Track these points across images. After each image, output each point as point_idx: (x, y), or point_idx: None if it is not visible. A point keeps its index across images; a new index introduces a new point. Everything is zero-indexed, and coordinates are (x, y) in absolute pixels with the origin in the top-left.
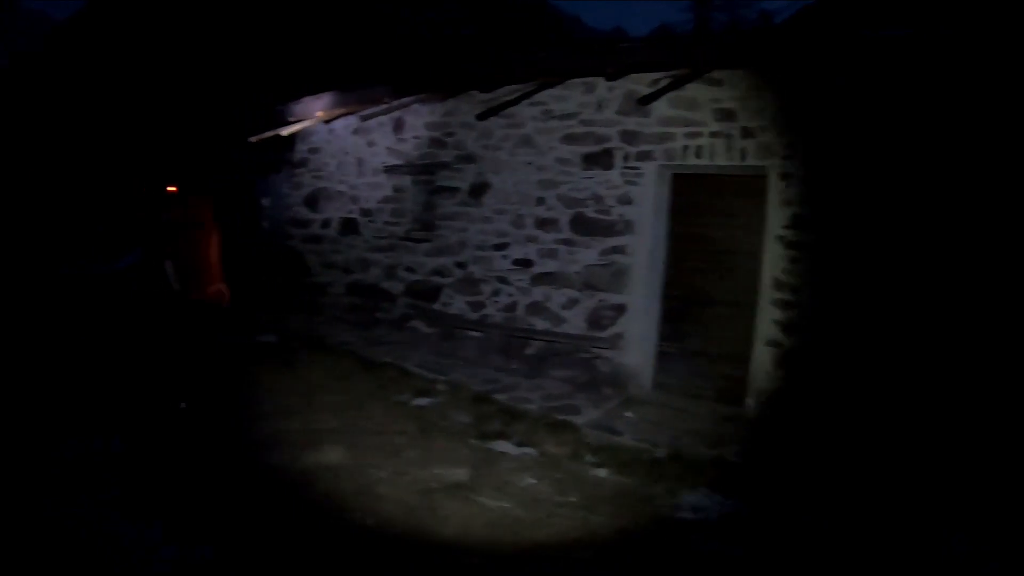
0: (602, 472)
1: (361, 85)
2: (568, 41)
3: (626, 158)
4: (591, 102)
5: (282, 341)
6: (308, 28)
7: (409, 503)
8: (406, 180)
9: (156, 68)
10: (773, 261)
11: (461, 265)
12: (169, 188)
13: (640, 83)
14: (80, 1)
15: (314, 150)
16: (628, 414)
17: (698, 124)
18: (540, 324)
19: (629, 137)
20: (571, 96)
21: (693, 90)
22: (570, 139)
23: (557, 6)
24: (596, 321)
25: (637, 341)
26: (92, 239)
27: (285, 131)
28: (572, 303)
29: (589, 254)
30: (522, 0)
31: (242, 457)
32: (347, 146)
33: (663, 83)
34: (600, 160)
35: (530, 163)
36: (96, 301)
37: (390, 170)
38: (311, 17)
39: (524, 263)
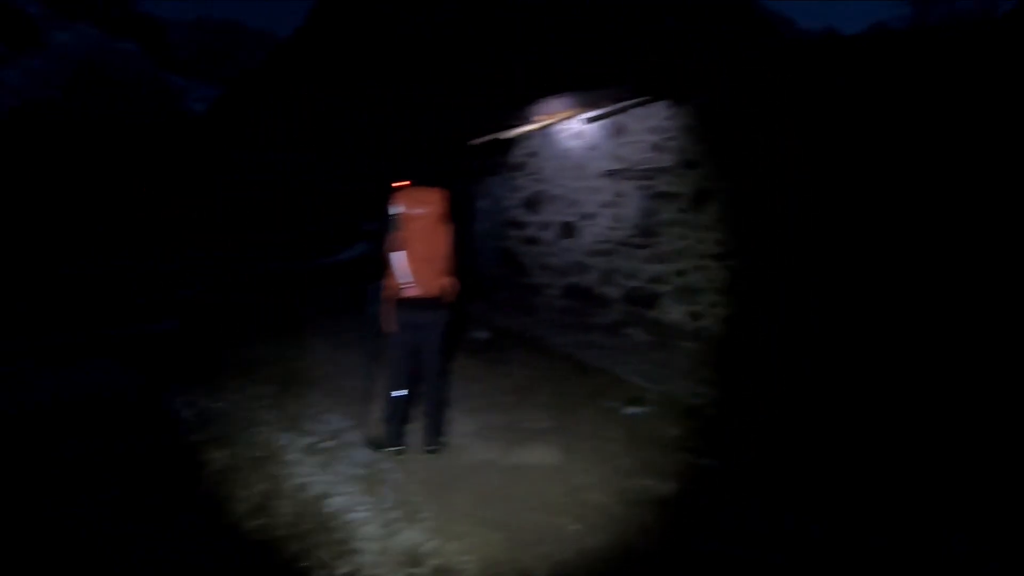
0: None
1: (588, 88)
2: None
3: None
4: None
5: (494, 338)
6: (531, 31)
7: (615, 513)
8: (627, 185)
9: (376, 73)
10: None
11: (681, 274)
12: (400, 183)
13: None
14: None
15: (532, 154)
16: None
17: None
18: None
19: None
20: None
21: None
22: None
23: (769, 7)
24: None
25: None
26: (323, 236)
27: (506, 135)
28: None
29: None
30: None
31: (453, 448)
32: (566, 150)
33: None
34: None
35: None
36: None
37: (611, 174)
38: (533, 21)
39: None
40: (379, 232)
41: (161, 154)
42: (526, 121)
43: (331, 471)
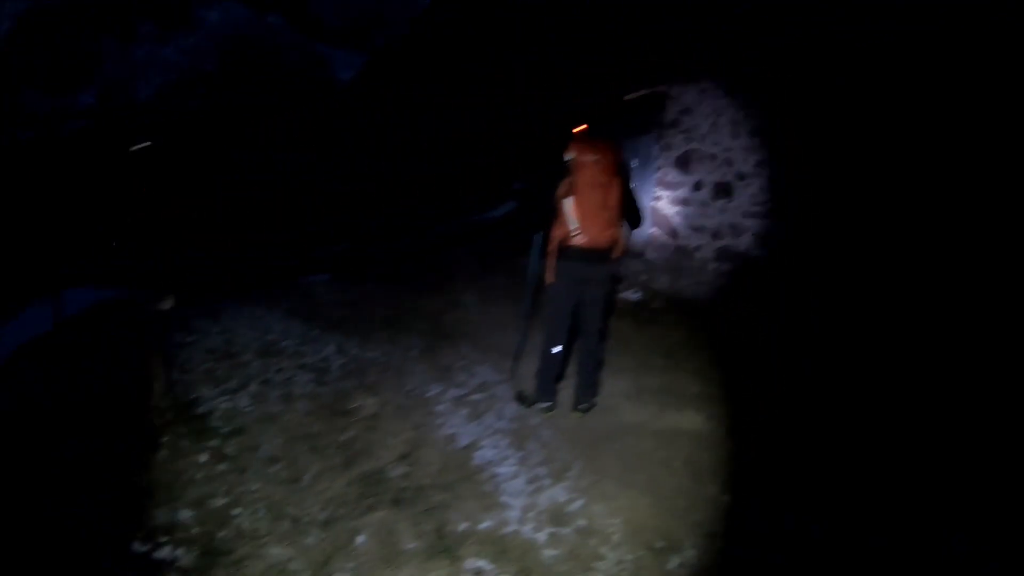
0: None
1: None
2: None
3: None
4: None
5: (645, 299)
6: None
7: None
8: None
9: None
10: None
11: None
12: (577, 129)
13: None
14: None
15: (686, 111)
16: None
17: None
18: None
19: None
20: None
21: None
22: None
23: None
24: None
25: None
26: (473, 195)
27: (657, 90)
28: None
29: None
30: None
31: (603, 408)
32: (720, 107)
33: None
34: None
35: None
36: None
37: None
38: None
39: None
40: (542, 182)
41: (311, 119)
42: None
43: (479, 423)
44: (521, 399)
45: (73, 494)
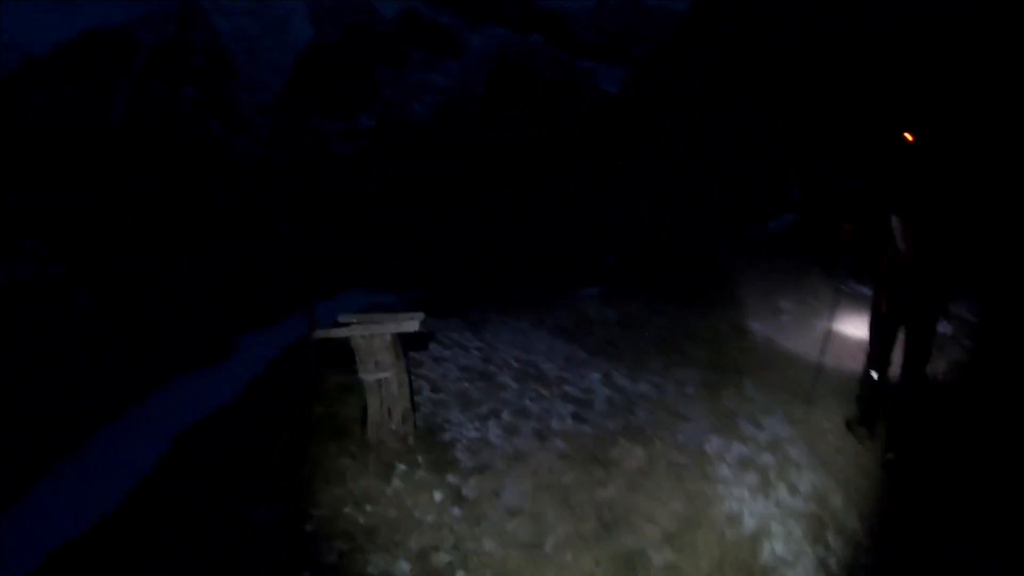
0: None
1: None
2: None
3: None
4: None
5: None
6: None
7: None
8: None
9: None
10: None
11: None
12: (906, 135)
13: None
14: None
15: None
16: None
17: None
18: None
19: None
20: None
21: None
22: None
23: None
24: None
25: None
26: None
27: None
28: None
29: None
30: None
31: None
32: None
33: None
34: None
35: None
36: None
37: None
38: None
39: None
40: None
41: (578, 131)
42: None
43: (769, 499)
44: (848, 426)
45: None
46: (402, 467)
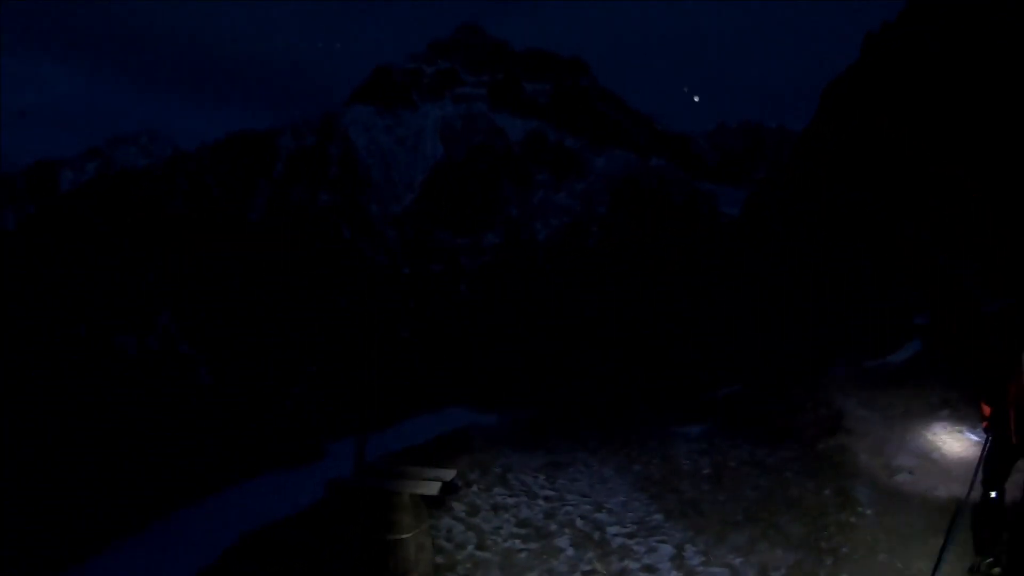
0: None
1: None
2: None
3: None
4: None
5: None
6: None
7: None
8: None
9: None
10: None
11: None
12: None
13: None
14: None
15: None
16: None
17: None
18: None
19: None
20: None
21: None
22: None
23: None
24: None
25: None
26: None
27: None
28: None
29: None
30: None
31: None
32: None
33: None
34: None
35: None
36: None
37: None
38: None
39: None
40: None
41: (699, 253)
42: None
43: None
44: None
45: None
46: None
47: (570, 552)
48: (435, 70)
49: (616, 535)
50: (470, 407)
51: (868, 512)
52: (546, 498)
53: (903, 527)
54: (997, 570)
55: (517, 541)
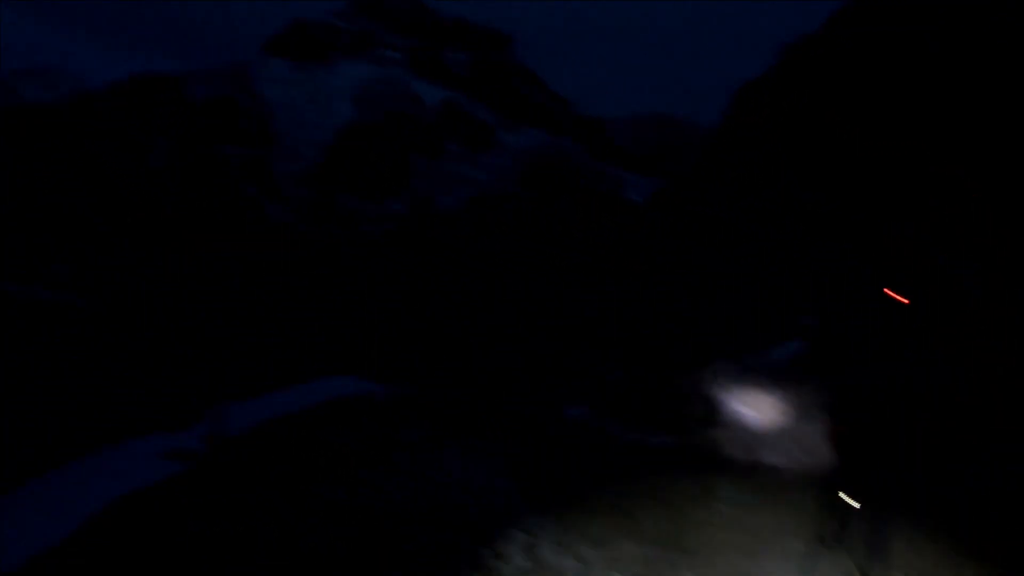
0: None
1: None
2: None
3: None
4: None
5: None
6: None
7: None
8: None
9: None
10: None
11: None
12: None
13: None
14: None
15: None
16: None
17: None
18: None
19: None
20: None
21: None
22: None
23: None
24: None
25: None
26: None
27: None
28: None
29: None
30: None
31: None
32: None
33: None
34: None
35: None
36: None
37: None
38: None
39: None
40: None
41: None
42: None
43: None
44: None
45: None
46: None
47: (423, 537)
48: (355, 29)
49: (473, 519)
50: (360, 377)
51: (729, 510)
52: (410, 474)
53: (761, 527)
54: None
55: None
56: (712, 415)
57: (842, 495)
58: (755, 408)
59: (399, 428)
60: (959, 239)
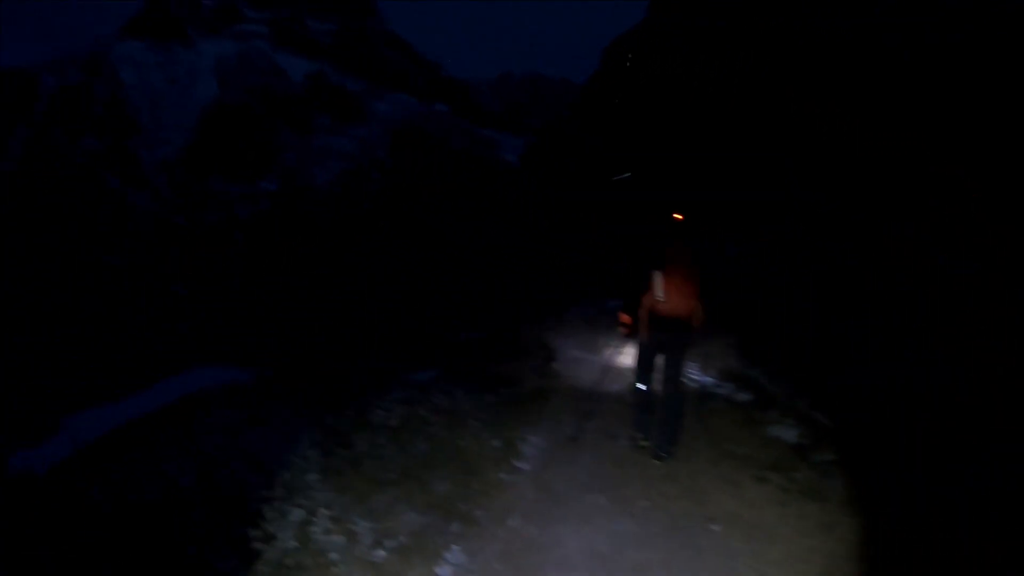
0: None
1: None
2: None
3: None
4: None
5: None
6: None
7: None
8: None
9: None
10: None
11: None
12: (676, 216)
13: None
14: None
15: None
16: None
17: None
18: None
19: None
20: None
21: None
22: None
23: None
24: None
25: None
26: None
27: None
28: None
29: None
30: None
31: None
32: None
33: None
34: None
35: None
36: None
37: None
38: None
39: None
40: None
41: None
42: None
43: None
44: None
45: None
46: None
47: (194, 525)
48: (215, 3)
49: (257, 498)
50: (227, 365)
51: (527, 468)
52: (206, 458)
53: (559, 485)
54: (646, 443)
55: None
56: (548, 363)
57: (639, 386)
58: (584, 355)
59: (243, 411)
60: (959, 239)
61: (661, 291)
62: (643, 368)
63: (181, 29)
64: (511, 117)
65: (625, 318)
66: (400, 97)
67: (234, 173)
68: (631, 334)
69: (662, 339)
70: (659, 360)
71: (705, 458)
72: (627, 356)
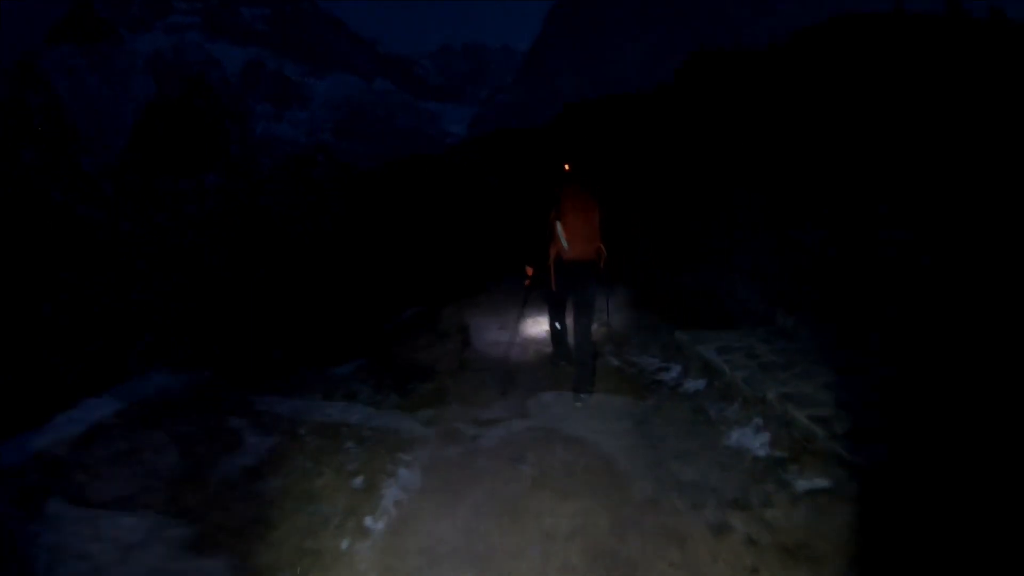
0: None
1: None
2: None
3: None
4: None
5: None
6: None
7: None
8: None
9: None
10: None
11: None
12: (566, 167)
13: None
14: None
15: None
16: None
17: None
18: None
19: None
20: None
21: None
22: None
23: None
24: None
25: None
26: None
27: None
28: None
29: None
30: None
31: None
32: None
33: None
34: None
35: None
36: None
37: None
38: None
39: None
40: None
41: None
42: None
43: None
44: (553, 361)
45: None
46: None
47: None
48: None
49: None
50: (177, 370)
51: (379, 527)
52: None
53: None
54: (565, 363)
55: None
56: (464, 347)
57: (556, 324)
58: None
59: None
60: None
61: (564, 238)
62: (557, 310)
63: (110, 28)
64: (454, 88)
65: (529, 269)
66: (341, 77)
67: (179, 170)
68: (534, 284)
69: (570, 284)
70: (571, 305)
71: None
72: (539, 326)
